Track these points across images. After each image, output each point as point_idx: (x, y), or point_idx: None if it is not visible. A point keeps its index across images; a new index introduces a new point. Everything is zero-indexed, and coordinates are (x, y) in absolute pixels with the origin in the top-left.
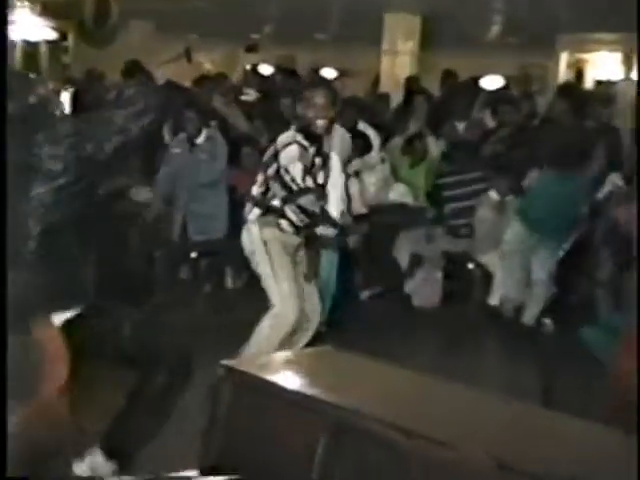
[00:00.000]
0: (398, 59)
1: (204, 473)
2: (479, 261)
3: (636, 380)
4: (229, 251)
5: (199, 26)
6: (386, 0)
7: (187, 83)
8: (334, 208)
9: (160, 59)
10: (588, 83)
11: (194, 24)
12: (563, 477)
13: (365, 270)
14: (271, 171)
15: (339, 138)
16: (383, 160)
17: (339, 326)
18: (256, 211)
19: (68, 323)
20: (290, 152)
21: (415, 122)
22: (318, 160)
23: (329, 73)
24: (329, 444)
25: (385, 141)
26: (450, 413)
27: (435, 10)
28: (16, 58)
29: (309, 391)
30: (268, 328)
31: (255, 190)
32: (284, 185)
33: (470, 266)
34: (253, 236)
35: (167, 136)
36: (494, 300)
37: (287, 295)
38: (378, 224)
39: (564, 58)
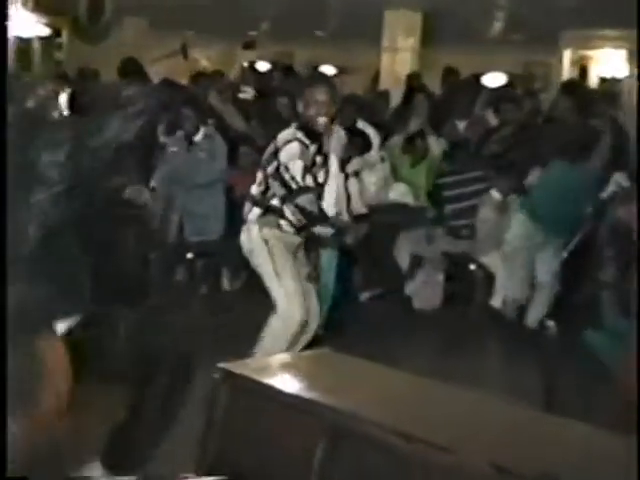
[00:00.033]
0: (398, 56)
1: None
2: (481, 262)
3: None
4: (226, 252)
5: (195, 22)
6: None
7: (183, 80)
8: (331, 208)
9: (155, 56)
10: (592, 80)
11: (190, 20)
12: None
13: (365, 271)
14: (271, 169)
15: (335, 136)
16: (383, 159)
17: (338, 328)
18: (256, 211)
19: (68, 333)
20: (291, 149)
21: (415, 120)
22: (319, 159)
23: (328, 70)
24: (327, 448)
25: (385, 140)
26: (450, 417)
27: (436, 6)
28: (9, 55)
29: (307, 394)
30: (275, 330)
31: (254, 189)
32: (283, 183)
33: (472, 267)
34: (253, 236)
35: (161, 135)
36: (496, 302)
37: (292, 294)
38: (378, 224)
39: (567, 55)
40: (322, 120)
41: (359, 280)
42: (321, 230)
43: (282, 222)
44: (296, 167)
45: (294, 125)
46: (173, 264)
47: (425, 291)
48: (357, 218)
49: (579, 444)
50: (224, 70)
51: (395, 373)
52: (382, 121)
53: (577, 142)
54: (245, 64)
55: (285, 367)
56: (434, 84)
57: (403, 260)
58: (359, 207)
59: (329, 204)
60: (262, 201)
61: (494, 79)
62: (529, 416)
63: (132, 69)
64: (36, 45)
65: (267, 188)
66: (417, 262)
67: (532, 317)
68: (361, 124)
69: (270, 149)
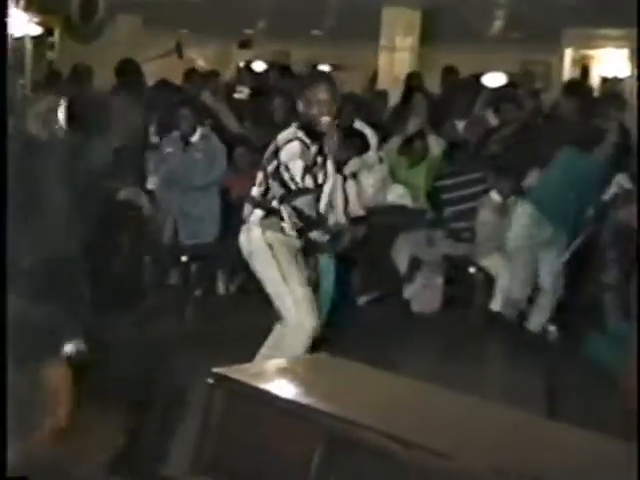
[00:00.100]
0: (397, 55)
1: None
2: (480, 265)
3: None
4: (221, 255)
5: (190, 20)
6: None
7: (178, 80)
8: (329, 211)
9: (149, 54)
10: (594, 80)
11: (184, 19)
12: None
13: (363, 274)
14: (271, 168)
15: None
16: (381, 160)
17: (335, 332)
18: (257, 212)
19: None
20: (291, 149)
21: (414, 121)
22: (319, 159)
23: (324, 69)
24: (324, 454)
25: (383, 140)
26: (449, 422)
27: (435, 4)
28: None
29: (304, 400)
30: (288, 341)
31: (255, 191)
32: (282, 184)
33: (471, 270)
34: (253, 238)
35: (153, 135)
36: (496, 305)
37: (302, 301)
38: (376, 226)
39: (569, 54)
40: (325, 119)
41: (357, 283)
42: (317, 236)
43: (284, 225)
44: (296, 167)
45: (294, 125)
46: (168, 267)
47: (424, 294)
48: (354, 220)
49: (577, 449)
50: (220, 69)
51: (393, 378)
52: (380, 121)
53: (580, 142)
54: (241, 64)
55: (281, 372)
56: (433, 84)
57: (401, 263)
58: (356, 209)
59: (326, 207)
60: (263, 203)
61: (494, 79)
62: (527, 421)
63: (129, 70)
64: (28, 44)
65: (267, 189)
66: (416, 265)
67: (535, 322)
68: (359, 124)
69: (270, 148)
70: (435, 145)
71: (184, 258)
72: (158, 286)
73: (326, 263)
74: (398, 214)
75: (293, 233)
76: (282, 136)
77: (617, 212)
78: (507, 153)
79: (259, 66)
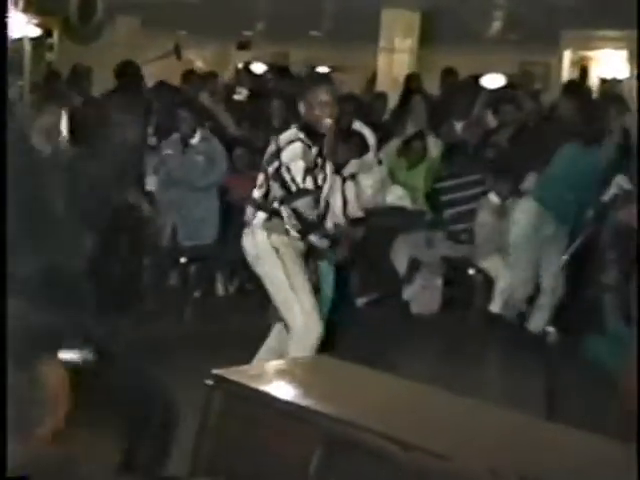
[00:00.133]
0: (396, 57)
1: None
2: (480, 266)
3: None
4: (220, 256)
5: (188, 22)
6: None
7: (176, 81)
8: (328, 213)
9: (147, 56)
10: (592, 81)
11: (183, 20)
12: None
13: (362, 276)
14: (271, 169)
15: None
16: (380, 161)
17: (334, 334)
18: (260, 215)
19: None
20: (293, 149)
21: (413, 122)
22: (320, 161)
23: (323, 71)
24: (323, 456)
25: (382, 142)
26: (448, 424)
27: (434, 6)
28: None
29: (303, 401)
30: (294, 348)
31: (256, 192)
32: (283, 184)
33: (470, 272)
34: (259, 241)
35: (150, 136)
36: (495, 307)
37: (310, 310)
38: (375, 228)
39: (567, 56)
40: (328, 121)
41: (356, 285)
42: (316, 239)
43: (288, 226)
44: (297, 168)
45: (295, 126)
46: (167, 269)
47: (423, 296)
48: (354, 222)
49: (576, 450)
50: (218, 71)
51: (392, 379)
52: (379, 123)
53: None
54: (240, 65)
55: (280, 374)
56: (433, 85)
57: (401, 264)
58: (355, 210)
59: (325, 209)
60: (265, 204)
61: (493, 80)
62: (526, 422)
63: (129, 72)
64: (27, 46)
65: (268, 190)
66: (415, 266)
67: (535, 322)
68: (357, 124)
69: (271, 150)
70: (434, 146)
71: (183, 259)
72: (157, 288)
73: (326, 266)
74: (397, 215)
75: (297, 235)
76: (283, 137)
77: (617, 213)
78: (506, 155)
79: (258, 67)
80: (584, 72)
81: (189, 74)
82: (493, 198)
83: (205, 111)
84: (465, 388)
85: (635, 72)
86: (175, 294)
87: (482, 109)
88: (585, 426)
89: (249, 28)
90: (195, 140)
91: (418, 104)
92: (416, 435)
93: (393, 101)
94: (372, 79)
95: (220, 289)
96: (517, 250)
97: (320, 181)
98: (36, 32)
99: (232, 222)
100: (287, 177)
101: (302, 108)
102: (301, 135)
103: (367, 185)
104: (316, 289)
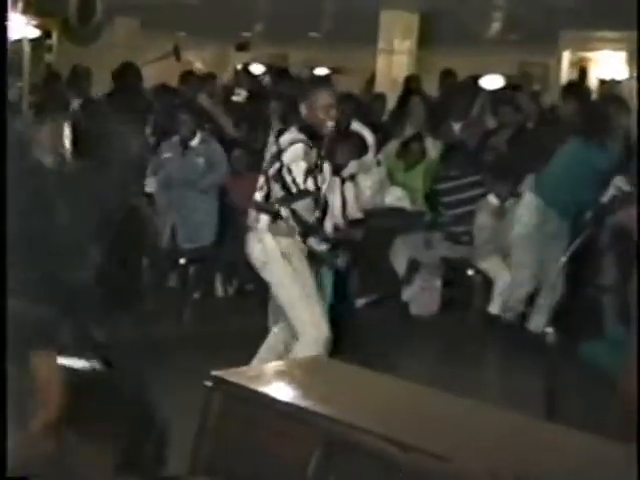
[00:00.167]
0: (395, 58)
1: None
2: (479, 267)
3: None
4: (219, 258)
5: (187, 23)
6: None
7: (175, 82)
8: (327, 221)
9: (146, 57)
10: (591, 82)
11: (182, 21)
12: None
13: (361, 277)
14: (272, 171)
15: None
16: (379, 162)
17: (334, 334)
18: (264, 218)
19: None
20: (296, 150)
21: (412, 124)
22: (319, 162)
23: (323, 73)
24: (322, 457)
25: (380, 143)
26: (447, 425)
27: (433, 7)
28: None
29: (301, 402)
30: (302, 353)
31: (257, 195)
32: (283, 185)
33: (470, 273)
34: (269, 249)
35: (150, 136)
36: (494, 308)
37: (320, 312)
38: (374, 229)
39: (566, 57)
40: (330, 124)
41: (355, 286)
42: (315, 243)
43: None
44: (299, 169)
45: (295, 128)
46: (166, 270)
47: (422, 297)
48: (353, 223)
49: (575, 451)
50: (217, 72)
51: (391, 380)
52: (378, 124)
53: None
54: (239, 66)
55: (279, 375)
56: (431, 86)
57: (400, 265)
58: (354, 212)
59: (324, 211)
60: (267, 207)
61: (492, 81)
62: (525, 423)
63: (128, 73)
64: (26, 47)
65: (269, 192)
66: (414, 267)
67: (534, 322)
68: (356, 125)
69: (273, 151)
70: (432, 148)
71: (182, 261)
72: (157, 289)
73: (325, 271)
74: (396, 216)
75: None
76: (285, 138)
77: (616, 215)
78: (505, 156)
79: (257, 69)
80: (583, 73)
81: (188, 75)
82: (492, 199)
83: (204, 113)
84: (464, 389)
85: (634, 73)
86: (174, 295)
87: (481, 110)
88: (584, 427)
89: (248, 29)
90: (195, 142)
91: (417, 105)
92: (415, 436)
93: (392, 102)
94: (371, 80)
95: (219, 290)
96: (520, 248)
97: (320, 182)
98: (35, 33)
99: (231, 223)
100: (288, 178)
101: (303, 110)
102: (302, 136)
103: (366, 186)
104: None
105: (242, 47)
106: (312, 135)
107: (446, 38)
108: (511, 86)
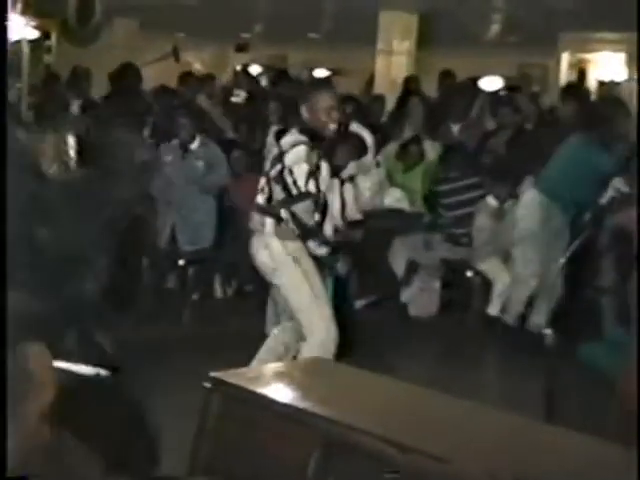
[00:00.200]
0: (394, 59)
1: None
2: (478, 269)
3: None
4: (218, 259)
5: (186, 24)
6: None
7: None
8: (327, 223)
9: (146, 58)
10: (591, 84)
11: (181, 22)
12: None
13: (360, 278)
14: (274, 172)
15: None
16: (378, 164)
17: None
18: (269, 222)
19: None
20: (298, 152)
21: (411, 125)
22: (319, 164)
23: (322, 73)
24: (321, 458)
25: (379, 144)
26: (446, 426)
27: (432, 8)
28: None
29: (300, 404)
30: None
31: (260, 198)
32: (284, 187)
33: (469, 274)
34: (277, 254)
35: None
36: (494, 310)
37: (329, 314)
38: (373, 230)
39: (566, 58)
40: (332, 126)
41: (354, 287)
42: (314, 247)
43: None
44: (301, 171)
45: (296, 129)
46: (165, 271)
47: (421, 298)
48: (352, 224)
49: (575, 453)
50: (217, 73)
51: (390, 382)
52: (377, 125)
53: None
54: (238, 67)
55: (278, 376)
56: (430, 87)
57: (399, 266)
58: (354, 213)
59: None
60: (269, 209)
61: (491, 82)
62: (524, 425)
63: (129, 74)
64: (25, 48)
65: (271, 194)
66: (413, 268)
67: (534, 322)
68: (355, 126)
69: (274, 153)
70: (431, 149)
71: (181, 262)
72: (156, 290)
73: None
74: (395, 218)
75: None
76: (286, 140)
77: (614, 216)
78: (504, 157)
79: (256, 70)
80: (582, 74)
81: (187, 76)
82: (491, 201)
83: (203, 115)
84: (463, 390)
85: (633, 74)
86: (173, 296)
87: (480, 111)
88: (583, 428)
89: (247, 30)
90: (194, 146)
91: (416, 106)
92: (414, 437)
93: (391, 103)
94: (370, 81)
95: (218, 291)
96: (523, 244)
97: (320, 184)
98: (34, 34)
99: (230, 224)
100: (289, 180)
101: (304, 112)
102: (303, 138)
103: (365, 187)
104: None
105: (241, 48)
106: (313, 137)
107: (445, 39)
108: (510, 87)
